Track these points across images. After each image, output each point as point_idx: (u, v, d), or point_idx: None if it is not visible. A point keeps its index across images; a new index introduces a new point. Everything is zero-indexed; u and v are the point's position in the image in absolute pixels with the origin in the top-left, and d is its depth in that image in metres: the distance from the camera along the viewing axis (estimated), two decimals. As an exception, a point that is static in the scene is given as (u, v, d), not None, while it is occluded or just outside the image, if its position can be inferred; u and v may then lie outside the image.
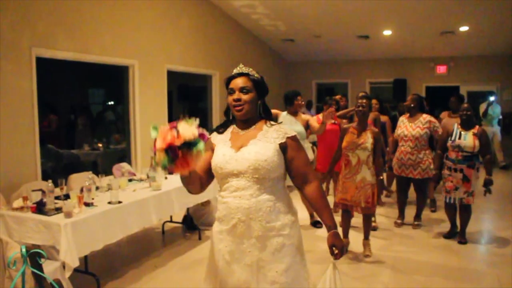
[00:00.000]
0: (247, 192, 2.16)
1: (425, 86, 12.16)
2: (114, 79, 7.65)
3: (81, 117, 9.48)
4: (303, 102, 5.65)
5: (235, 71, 2.30)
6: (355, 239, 5.15)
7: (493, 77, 11.57)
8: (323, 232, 5.68)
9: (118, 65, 6.65)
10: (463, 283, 4.27)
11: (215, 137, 2.34)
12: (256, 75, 2.29)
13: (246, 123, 2.28)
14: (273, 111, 5.73)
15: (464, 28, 9.63)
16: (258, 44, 11.34)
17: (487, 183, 5.10)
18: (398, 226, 5.94)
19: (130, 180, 5.11)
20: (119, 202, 4.13)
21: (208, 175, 2.31)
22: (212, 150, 2.30)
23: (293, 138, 2.25)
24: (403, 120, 5.86)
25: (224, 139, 2.30)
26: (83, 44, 5.85)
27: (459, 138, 5.11)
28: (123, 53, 6.54)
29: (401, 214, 6.03)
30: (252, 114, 2.26)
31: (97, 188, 4.56)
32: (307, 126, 5.56)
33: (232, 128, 2.33)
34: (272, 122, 2.29)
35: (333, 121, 6.35)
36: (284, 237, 2.21)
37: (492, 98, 10.91)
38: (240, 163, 2.16)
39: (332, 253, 2.21)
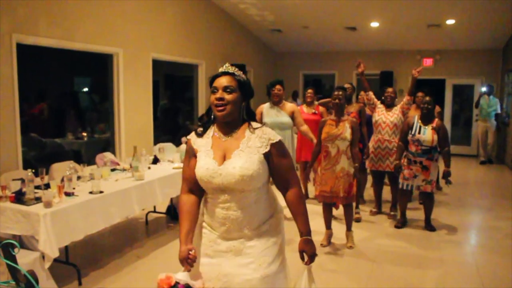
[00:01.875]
0: (234, 205, 2.14)
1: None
2: (100, 68, 7.55)
3: (67, 106, 9.37)
4: (280, 91, 5.52)
5: (220, 69, 2.21)
6: (338, 231, 5.18)
7: (478, 70, 11.63)
8: (315, 226, 5.70)
9: (102, 53, 6.55)
10: (443, 273, 4.31)
11: (195, 140, 2.25)
12: (242, 75, 2.20)
13: (227, 126, 2.19)
14: (258, 108, 5.67)
15: (450, 22, 9.65)
16: (246, 34, 11.27)
17: (446, 175, 5.26)
18: (373, 215, 6.16)
19: (113, 170, 5.06)
20: (101, 192, 4.09)
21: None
22: (195, 156, 2.22)
23: (277, 145, 2.17)
24: (380, 108, 5.99)
25: (206, 146, 2.20)
26: (66, 31, 5.74)
27: (419, 132, 5.26)
28: (107, 41, 6.44)
29: (377, 204, 6.23)
30: (234, 116, 2.16)
31: (79, 177, 4.50)
32: (292, 116, 5.48)
33: (213, 131, 2.23)
34: (255, 125, 2.19)
35: (313, 110, 6.34)
36: (269, 236, 2.21)
37: (484, 89, 10.88)
38: (225, 178, 2.09)
39: (302, 258, 2.19)
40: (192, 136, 2.28)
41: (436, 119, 5.34)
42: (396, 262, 4.60)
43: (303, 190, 6.71)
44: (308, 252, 2.16)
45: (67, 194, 3.89)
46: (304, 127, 5.47)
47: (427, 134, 5.23)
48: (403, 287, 4.04)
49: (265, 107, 5.50)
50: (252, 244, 2.17)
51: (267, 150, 2.14)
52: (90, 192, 4.06)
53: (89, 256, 4.68)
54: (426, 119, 5.31)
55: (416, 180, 5.37)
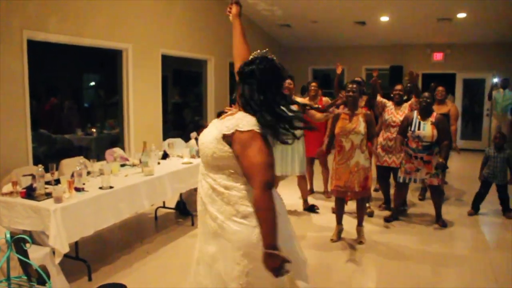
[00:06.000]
0: (204, 181, 2.17)
1: (422, 73, 12.08)
2: (109, 64, 7.56)
3: (76, 102, 9.41)
4: (291, 85, 5.57)
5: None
6: (349, 226, 5.15)
7: (489, 64, 11.49)
8: (318, 219, 5.69)
9: (111, 48, 6.55)
10: (455, 269, 4.28)
11: None
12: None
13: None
14: None
15: (461, 15, 9.54)
16: (255, 29, 11.21)
17: (439, 166, 5.17)
18: (382, 210, 6.10)
19: (122, 165, 5.06)
20: (111, 187, 4.09)
21: None
22: None
23: (244, 134, 2.02)
24: (389, 106, 5.92)
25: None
26: (76, 27, 5.74)
27: (419, 128, 5.22)
28: (116, 37, 6.44)
29: (386, 199, 6.17)
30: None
31: (88, 173, 4.51)
32: (303, 111, 5.49)
33: None
34: (242, 111, 2.12)
35: (317, 105, 6.31)
36: (233, 251, 2.09)
37: (496, 80, 10.65)
38: (200, 152, 2.19)
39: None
40: None
41: (435, 113, 5.30)
42: (407, 257, 4.56)
43: (309, 185, 6.75)
44: (269, 267, 1.95)
45: (77, 190, 3.90)
46: (318, 115, 5.46)
47: (427, 129, 5.19)
48: (415, 282, 4.01)
49: None
50: (216, 257, 2.13)
51: (228, 132, 2.05)
52: (100, 188, 4.07)
53: (99, 252, 4.69)
54: (424, 113, 5.26)
55: (419, 173, 5.33)
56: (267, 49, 2.24)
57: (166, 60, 7.73)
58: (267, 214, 1.94)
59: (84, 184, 4.07)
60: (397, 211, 5.72)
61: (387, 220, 5.61)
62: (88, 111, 11.22)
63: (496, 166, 5.84)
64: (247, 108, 2.11)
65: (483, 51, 11.53)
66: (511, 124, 10.47)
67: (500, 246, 4.98)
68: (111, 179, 4.26)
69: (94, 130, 8.44)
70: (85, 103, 11.82)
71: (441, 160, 5.15)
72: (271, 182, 1.94)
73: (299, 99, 5.59)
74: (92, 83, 12.46)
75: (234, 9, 2.68)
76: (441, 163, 5.14)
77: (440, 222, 5.50)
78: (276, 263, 1.92)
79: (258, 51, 2.21)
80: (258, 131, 2.02)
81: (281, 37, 12.43)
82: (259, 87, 2.10)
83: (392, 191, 6.07)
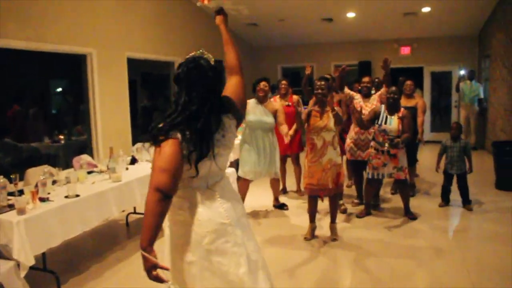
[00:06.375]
0: None
1: (390, 67, 12.21)
2: (76, 69, 7.39)
3: (43, 109, 9.18)
4: (266, 87, 5.54)
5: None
6: (322, 223, 5.16)
7: (455, 57, 11.73)
8: (291, 217, 5.68)
9: (75, 53, 6.40)
10: (428, 261, 4.32)
11: None
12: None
13: None
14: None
15: (426, 9, 9.69)
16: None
17: (390, 140, 5.11)
18: (355, 206, 6.09)
19: (90, 172, 4.95)
20: (77, 195, 3.99)
21: None
22: None
23: (162, 138, 2.02)
24: (357, 99, 5.91)
25: None
26: (37, 32, 5.58)
27: (385, 122, 5.26)
28: (80, 41, 6.29)
29: (359, 195, 6.17)
30: None
31: (54, 182, 4.39)
32: (275, 115, 5.50)
33: None
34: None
35: (287, 102, 6.30)
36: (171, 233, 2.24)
37: (462, 72, 10.85)
38: None
39: None
40: None
41: (402, 109, 5.34)
42: (381, 252, 4.59)
43: (282, 184, 6.73)
44: (144, 267, 1.96)
45: (42, 200, 3.78)
46: (282, 127, 5.41)
47: (393, 124, 5.23)
48: (389, 276, 4.03)
49: (251, 103, 5.47)
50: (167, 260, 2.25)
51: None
52: (66, 197, 3.95)
53: (68, 262, 4.57)
54: (392, 109, 5.30)
55: (386, 168, 5.37)
56: (202, 49, 2.24)
57: (134, 64, 7.61)
58: (147, 216, 1.93)
59: (49, 193, 3.96)
60: (369, 206, 5.74)
61: (360, 216, 5.63)
62: (56, 117, 10.99)
63: (453, 156, 5.88)
64: (174, 109, 2.11)
65: (449, 44, 11.76)
66: (478, 114, 10.69)
67: (471, 237, 5.06)
68: (78, 187, 4.16)
69: (62, 137, 8.23)
70: (53, 109, 11.57)
71: (398, 139, 5.12)
72: (161, 188, 1.90)
73: (274, 104, 5.66)
74: (59, 89, 12.21)
75: (217, 18, 2.73)
76: (396, 141, 5.09)
77: (409, 215, 5.55)
78: (145, 265, 1.94)
79: (194, 52, 2.22)
80: (172, 136, 2.00)
81: (249, 36, 12.41)
82: (186, 89, 2.12)
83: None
